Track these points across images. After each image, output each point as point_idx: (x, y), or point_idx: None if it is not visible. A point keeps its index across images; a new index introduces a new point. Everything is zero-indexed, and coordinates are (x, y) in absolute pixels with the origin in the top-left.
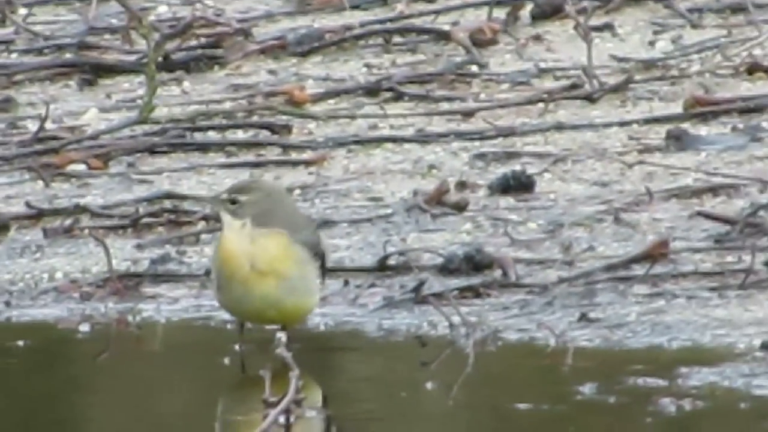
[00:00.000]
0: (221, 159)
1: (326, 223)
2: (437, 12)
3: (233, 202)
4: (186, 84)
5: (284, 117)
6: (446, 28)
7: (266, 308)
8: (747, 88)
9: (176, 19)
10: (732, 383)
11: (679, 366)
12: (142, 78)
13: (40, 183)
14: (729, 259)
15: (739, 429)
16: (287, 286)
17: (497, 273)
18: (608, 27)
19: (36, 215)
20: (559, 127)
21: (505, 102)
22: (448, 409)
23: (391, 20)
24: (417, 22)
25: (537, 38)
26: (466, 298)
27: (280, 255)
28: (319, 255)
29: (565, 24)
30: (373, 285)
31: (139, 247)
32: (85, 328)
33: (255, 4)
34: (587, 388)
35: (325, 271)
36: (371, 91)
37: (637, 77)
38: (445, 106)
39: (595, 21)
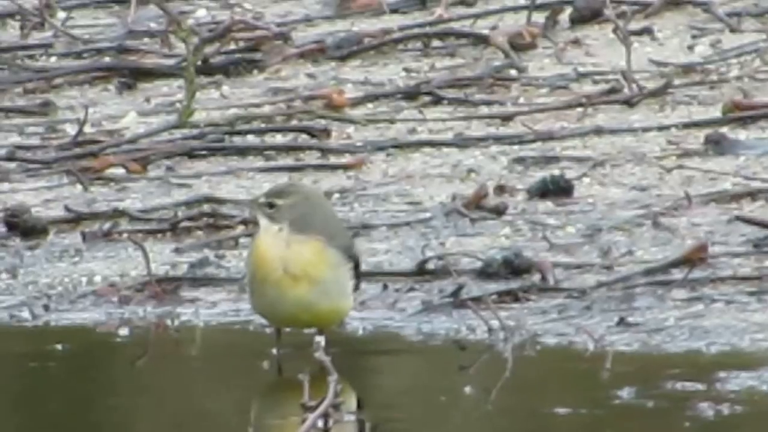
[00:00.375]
0: (260, 163)
1: (365, 227)
2: (476, 16)
3: (271, 206)
4: (225, 88)
5: (323, 121)
6: (485, 32)
7: (300, 312)
8: None
9: (215, 23)
10: None
11: (717, 370)
12: (181, 82)
13: (79, 187)
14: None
15: None
16: (320, 290)
17: (536, 277)
18: (647, 31)
19: (75, 219)
20: (598, 131)
21: (544, 106)
22: (487, 413)
23: (430, 24)
24: (456, 26)
25: (576, 42)
26: (505, 302)
27: (314, 259)
28: (353, 258)
29: (604, 28)
30: (411, 289)
31: (178, 251)
32: (124, 331)
33: (294, 8)
34: (626, 393)
35: (360, 275)
36: (410, 95)
37: (676, 81)
38: (483, 110)
39: (634, 25)
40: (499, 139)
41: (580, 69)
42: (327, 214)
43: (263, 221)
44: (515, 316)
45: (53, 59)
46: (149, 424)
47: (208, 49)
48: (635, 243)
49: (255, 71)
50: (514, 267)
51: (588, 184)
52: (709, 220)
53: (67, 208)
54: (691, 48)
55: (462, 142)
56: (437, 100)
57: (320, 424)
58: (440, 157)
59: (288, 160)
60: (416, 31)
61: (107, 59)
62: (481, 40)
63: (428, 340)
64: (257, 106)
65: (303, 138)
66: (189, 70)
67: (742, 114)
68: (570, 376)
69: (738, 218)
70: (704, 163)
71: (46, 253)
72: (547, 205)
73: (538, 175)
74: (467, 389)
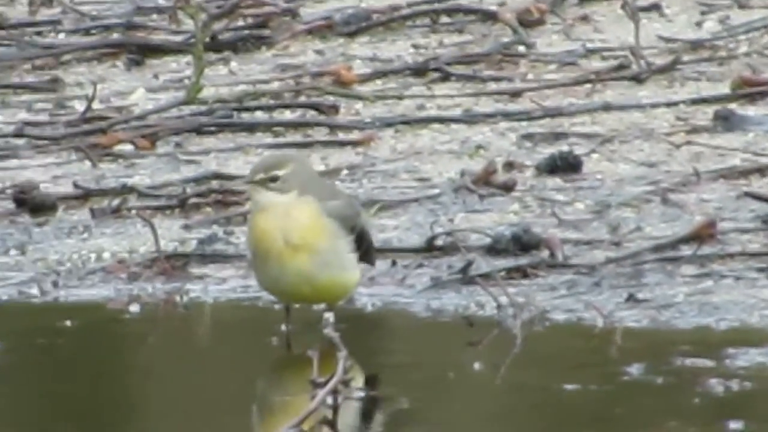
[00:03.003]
0: (268, 139)
1: (373, 203)
2: None
3: (273, 179)
4: (233, 64)
5: (331, 97)
6: (493, 8)
7: (301, 284)
8: None
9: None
10: None
11: (726, 346)
12: (189, 58)
13: (88, 163)
14: None
15: None
16: (320, 261)
17: (545, 253)
18: (656, 7)
19: (83, 195)
20: (607, 107)
21: (553, 82)
22: (496, 389)
23: (438, 0)
24: (464, 2)
25: (584, 18)
26: (514, 278)
27: (311, 227)
28: (356, 228)
29: (613, 4)
30: (420, 265)
31: (187, 227)
32: (134, 308)
33: None
34: (635, 369)
35: (372, 250)
36: (418, 71)
37: (685, 58)
38: (492, 86)
39: (642, 1)
40: (507, 116)
41: (589, 45)
42: (321, 182)
43: (268, 196)
44: (524, 293)
45: (61, 36)
46: (158, 400)
47: (217, 26)
48: (644, 219)
49: (263, 48)
50: (522, 243)
51: (596, 160)
52: (718, 196)
53: (75, 185)
54: (699, 24)
55: (470, 119)
56: (446, 77)
57: (329, 400)
58: (449, 133)
59: (296, 137)
60: (425, 7)
61: (116, 36)
62: (489, 17)
63: (437, 317)
64: (265, 82)
65: (311, 114)
66: (197, 47)
67: (750, 90)
68: (579, 352)
69: (747, 194)
70: (713, 139)
71: (54, 230)
72: (556, 181)
73: (546, 151)
74: (476, 365)
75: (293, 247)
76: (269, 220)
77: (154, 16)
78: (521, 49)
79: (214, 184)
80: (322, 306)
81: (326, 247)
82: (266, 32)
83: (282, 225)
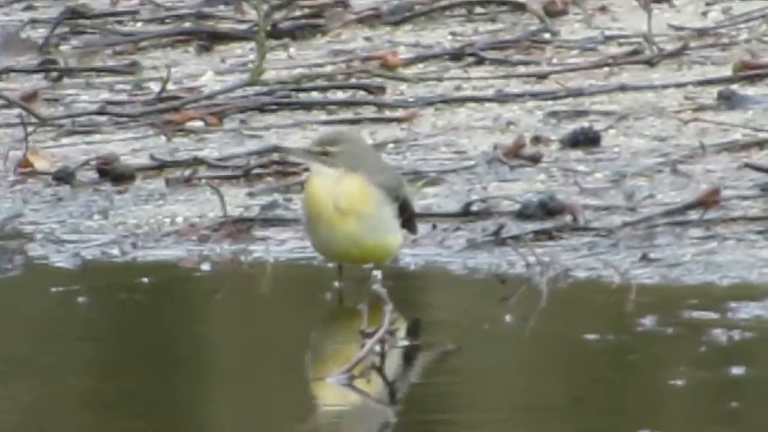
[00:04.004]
0: (323, 116)
1: (416, 174)
2: None
3: (325, 153)
4: (292, 50)
5: (379, 79)
6: (522, 0)
7: (350, 247)
8: None
9: None
10: None
11: (729, 301)
12: (252, 45)
13: (163, 138)
14: None
15: None
16: (367, 225)
17: (568, 218)
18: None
19: (159, 167)
20: (623, 88)
21: (575, 66)
22: (524, 338)
23: None
24: None
25: (603, 9)
26: (541, 240)
27: (360, 195)
28: (399, 198)
29: None
30: (458, 229)
31: (251, 194)
32: (204, 267)
33: None
34: (647, 321)
35: (414, 218)
36: (456, 56)
37: (692, 44)
38: (521, 69)
39: None
40: (534, 96)
41: (607, 33)
42: (373, 157)
43: (319, 167)
44: (550, 253)
45: (139, 24)
46: (225, 347)
47: (277, 15)
48: (656, 187)
49: (318, 35)
50: (548, 209)
51: (614, 135)
52: (722, 167)
53: (152, 157)
54: (704, 14)
55: (502, 98)
56: (480, 61)
57: (377, 348)
58: (482, 111)
59: (347, 114)
60: None
61: (187, 24)
62: (518, 8)
63: (472, 274)
64: (320, 66)
65: (361, 94)
66: (260, 34)
67: (750, 72)
68: (598, 306)
69: (747, 165)
70: (717, 116)
71: (133, 197)
72: (578, 154)
73: (569, 127)
74: (507, 318)
75: (342, 212)
76: (321, 187)
77: (222, 7)
78: (547, 36)
79: (275, 156)
80: (370, 265)
81: (372, 212)
82: (321, 21)
83: (332, 192)
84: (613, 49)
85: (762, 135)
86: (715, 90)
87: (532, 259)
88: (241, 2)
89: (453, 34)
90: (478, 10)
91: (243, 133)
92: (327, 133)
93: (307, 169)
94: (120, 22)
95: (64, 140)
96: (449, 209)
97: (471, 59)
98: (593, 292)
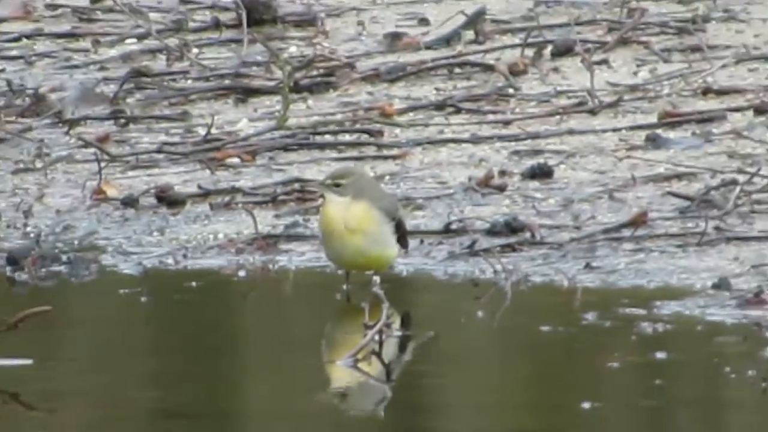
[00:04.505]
0: (334, 155)
1: (407, 200)
2: (485, 51)
3: (337, 185)
4: (310, 102)
5: (378, 125)
6: (492, 62)
7: (357, 257)
8: (702, 104)
9: (303, 56)
10: (691, 312)
11: (654, 300)
12: (278, 98)
13: (207, 171)
14: (689, 225)
15: (697, 344)
16: (371, 240)
17: (527, 235)
18: (605, 62)
19: (204, 194)
20: (571, 132)
21: (533, 114)
22: (493, 330)
23: (453, 57)
24: (471, 58)
25: (555, 69)
26: (506, 252)
27: (364, 216)
28: (395, 219)
29: (575, 59)
30: (440, 243)
31: (277, 216)
32: (240, 273)
33: (358, 45)
34: (590, 316)
35: (407, 235)
36: (439, 106)
37: (626, 97)
38: (490, 117)
39: (596, 57)
40: (501, 138)
41: (558, 88)
42: (375, 187)
43: (332, 196)
44: (513, 262)
45: (189, 82)
46: (256, 336)
47: (298, 75)
48: (597, 210)
49: (331, 90)
50: (512, 227)
51: (564, 169)
52: (649, 195)
53: (199, 186)
54: (635, 73)
55: (475, 140)
56: (458, 110)
57: (377, 338)
58: (460, 150)
59: (353, 153)
60: (443, 62)
61: (227, 82)
62: (488, 68)
63: (452, 279)
64: (332, 114)
65: (364, 137)
66: (284, 90)
67: (671, 120)
68: (551, 304)
69: (669, 193)
70: (645, 154)
71: (184, 218)
72: (535, 184)
73: (528, 163)
74: (479, 313)
75: (351, 230)
76: (335, 211)
77: (254, 67)
78: (511, 91)
79: (296, 186)
80: (372, 272)
81: (375, 230)
82: (332, 79)
83: (343, 215)
84: (563, 101)
85: (681, 169)
86: (643, 133)
87: (499, 267)
88: (270, 64)
89: (437, 89)
90: (457, 70)
91: (271, 168)
92: (338, 168)
93: (322, 197)
94: (174, 80)
95: (130, 173)
96: (433, 227)
97: (451, 109)
98: (547, 294)
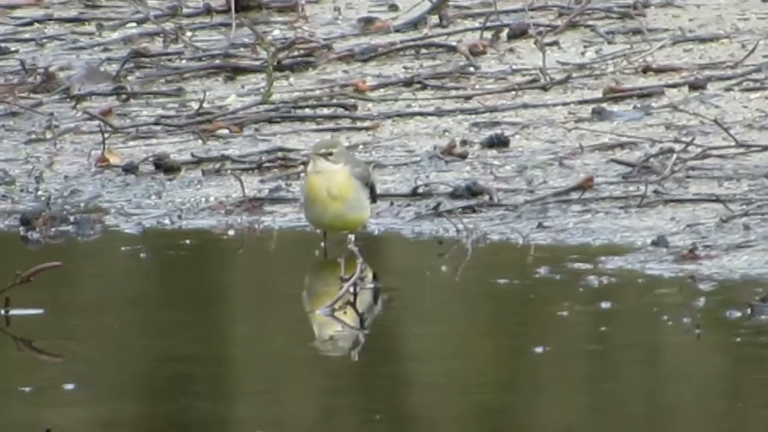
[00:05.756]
0: (313, 126)
1: (378, 166)
2: (449, 34)
3: (329, 154)
4: (291, 79)
5: (352, 100)
6: (454, 43)
7: (335, 220)
8: (642, 81)
9: (285, 39)
10: (633, 267)
11: (600, 256)
12: (263, 75)
13: (200, 141)
14: (631, 188)
15: (638, 295)
16: (349, 206)
17: (486, 197)
18: (556, 43)
19: (197, 162)
20: (525, 106)
21: (491, 90)
22: (455, 282)
23: (420, 39)
24: (436, 40)
25: (511, 50)
26: (467, 213)
27: (345, 185)
28: (369, 184)
29: (529, 41)
30: (408, 205)
31: (262, 181)
32: (230, 232)
33: (334, 29)
34: (542, 270)
35: (376, 196)
36: (407, 83)
37: (574, 75)
38: (453, 92)
39: (547, 39)
40: (463, 111)
41: (514, 67)
42: (351, 156)
43: (327, 164)
44: (473, 222)
45: (183, 61)
46: (243, 287)
47: (281, 55)
48: (548, 176)
49: (310, 69)
50: (472, 191)
51: (519, 139)
52: (595, 162)
53: (192, 155)
54: (583, 53)
55: (440, 113)
56: (424, 87)
57: (352, 290)
58: (426, 122)
59: (331, 125)
60: (411, 43)
61: (217, 61)
62: (451, 49)
63: (418, 237)
64: (311, 90)
65: (340, 110)
66: (269, 68)
67: (614, 95)
68: (507, 260)
69: (613, 160)
70: (591, 125)
71: (179, 183)
72: (493, 152)
73: (487, 133)
74: (443, 268)
75: (333, 197)
76: (319, 179)
77: (242, 48)
78: (472, 69)
79: (279, 154)
80: (346, 231)
81: (353, 197)
82: (312, 59)
83: (327, 183)
84: (518, 78)
85: (623, 139)
86: (590, 107)
87: (461, 226)
88: (255, 45)
89: (405, 67)
90: (423, 51)
91: (257, 138)
92: (323, 139)
93: (303, 164)
94: (170, 60)
95: (130, 143)
96: (402, 191)
97: (418, 85)
98: (504, 250)
